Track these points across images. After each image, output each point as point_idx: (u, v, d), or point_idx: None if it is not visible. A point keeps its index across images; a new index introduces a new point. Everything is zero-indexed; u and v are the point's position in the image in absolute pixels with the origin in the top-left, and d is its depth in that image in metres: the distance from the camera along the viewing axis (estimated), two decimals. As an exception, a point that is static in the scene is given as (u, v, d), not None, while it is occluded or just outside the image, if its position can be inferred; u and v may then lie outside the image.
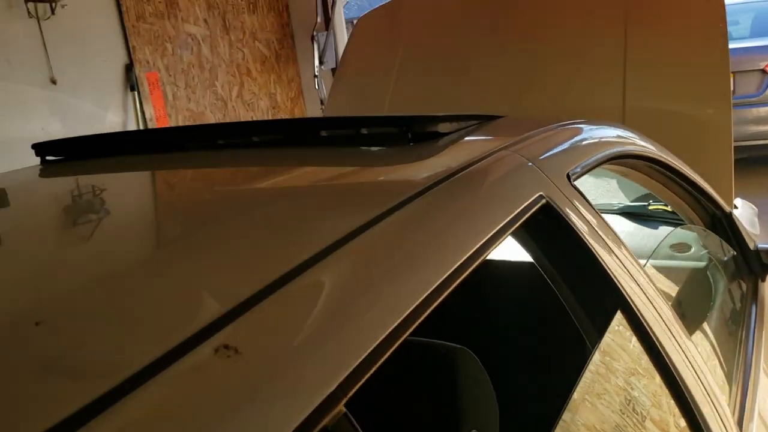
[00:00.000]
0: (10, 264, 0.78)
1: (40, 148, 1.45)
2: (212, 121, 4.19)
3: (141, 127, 3.71)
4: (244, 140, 1.27)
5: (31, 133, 3.18)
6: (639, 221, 2.29)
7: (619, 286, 1.02)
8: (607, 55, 2.58)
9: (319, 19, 4.54)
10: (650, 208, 2.36)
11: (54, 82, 3.29)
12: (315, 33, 4.55)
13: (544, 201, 0.97)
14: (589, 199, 1.16)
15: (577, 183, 1.13)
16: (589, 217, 1.08)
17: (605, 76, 2.57)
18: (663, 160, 1.53)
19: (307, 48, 4.65)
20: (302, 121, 1.27)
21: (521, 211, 0.90)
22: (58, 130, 3.31)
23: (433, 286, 0.63)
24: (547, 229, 1.03)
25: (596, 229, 1.07)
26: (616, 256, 1.08)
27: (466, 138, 1.18)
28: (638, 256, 2.07)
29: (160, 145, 1.35)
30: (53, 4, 3.26)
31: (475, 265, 0.72)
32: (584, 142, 1.30)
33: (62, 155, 1.45)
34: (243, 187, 1.06)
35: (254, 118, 4.49)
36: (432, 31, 3.11)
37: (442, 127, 1.16)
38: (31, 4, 3.18)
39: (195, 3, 4.07)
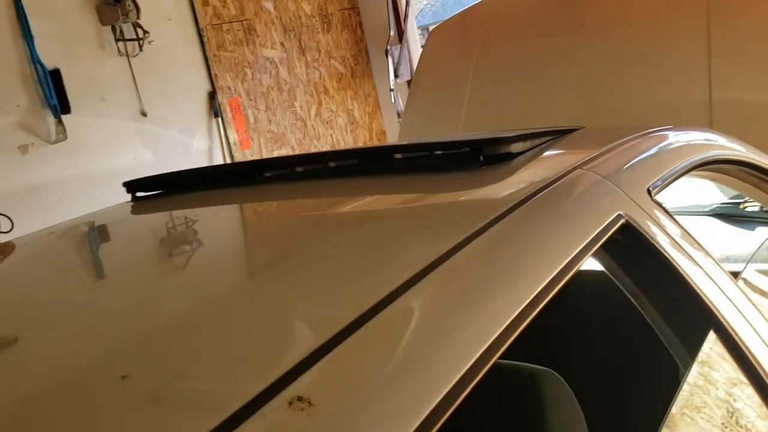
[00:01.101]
0: (103, 301, 0.82)
1: (130, 186, 1.53)
2: (293, 141, 4.29)
3: (226, 151, 3.84)
4: (318, 170, 1.29)
5: (125, 165, 3.36)
6: (733, 222, 2.18)
7: (710, 306, 0.97)
8: (690, 47, 2.47)
9: (392, 33, 4.57)
10: (744, 207, 2.24)
11: (144, 114, 3.46)
12: (389, 47, 4.59)
13: (623, 220, 0.94)
14: (678, 201, 1.12)
15: (660, 196, 1.10)
16: (673, 233, 1.03)
17: (688, 69, 2.46)
18: (754, 162, 1.46)
19: (382, 62, 4.70)
20: (372, 149, 1.29)
21: (599, 233, 0.87)
22: (149, 159, 3.48)
23: (514, 315, 0.62)
24: (629, 249, 0.99)
25: (681, 245, 1.02)
26: (706, 273, 1.03)
27: (540, 157, 1.16)
28: (735, 260, 1.98)
29: (238, 178, 1.39)
30: (141, 42, 3.43)
31: (554, 292, 0.70)
32: (665, 152, 1.25)
33: (151, 191, 1.52)
34: (321, 219, 1.06)
35: (333, 136, 4.57)
36: (506, 37, 3.07)
37: (515, 148, 1.14)
38: (121, 44, 3.36)
39: (271, 28, 4.19)
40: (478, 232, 0.74)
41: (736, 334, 0.96)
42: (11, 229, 2.69)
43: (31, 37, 2.97)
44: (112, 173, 3.29)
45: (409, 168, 1.17)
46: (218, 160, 3.83)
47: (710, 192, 2.41)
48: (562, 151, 1.22)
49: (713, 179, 1.56)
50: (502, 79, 2.96)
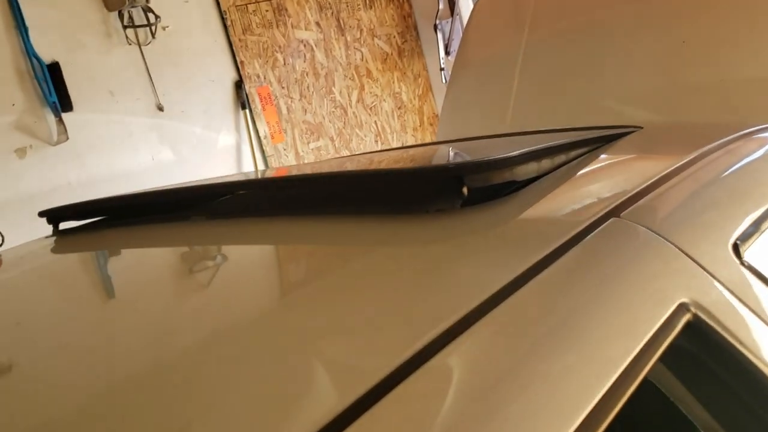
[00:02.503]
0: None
1: (51, 216, 1.19)
2: (332, 131, 3.90)
3: (255, 146, 3.50)
4: (253, 202, 0.95)
5: (141, 165, 3.07)
6: None
7: None
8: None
9: (441, 6, 4.11)
10: None
11: (161, 108, 3.15)
12: (438, 21, 4.13)
13: (688, 316, 0.55)
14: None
15: (753, 255, 0.65)
16: None
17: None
18: None
19: (433, 39, 4.25)
20: (321, 179, 0.89)
21: (648, 342, 0.49)
22: (168, 158, 3.17)
23: None
24: (702, 362, 0.58)
25: None
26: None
27: (559, 188, 0.74)
28: None
29: (176, 208, 1.04)
30: (153, 28, 3.11)
31: None
32: (764, 172, 0.80)
33: (78, 220, 1.20)
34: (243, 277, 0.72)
35: (378, 123, 4.15)
36: (563, 4, 2.60)
37: (519, 173, 0.73)
38: (130, 31, 3.05)
39: (305, 6, 3.80)
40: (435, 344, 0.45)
41: None
42: (1, 244, 2.44)
43: (26, 29, 2.69)
44: (127, 175, 3.02)
45: (362, 205, 0.79)
46: (247, 156, 3.49)
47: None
48: (596, 177, 0.78)
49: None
50: (559, 54, 2.49)
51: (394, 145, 4.22)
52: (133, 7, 2.99)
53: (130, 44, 3.06)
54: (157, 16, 3.09)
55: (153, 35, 3.12)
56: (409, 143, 4.30)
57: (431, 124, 4.47)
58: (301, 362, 0.47)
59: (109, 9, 2.97)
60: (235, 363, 0.49)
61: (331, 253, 0.71)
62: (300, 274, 0.70)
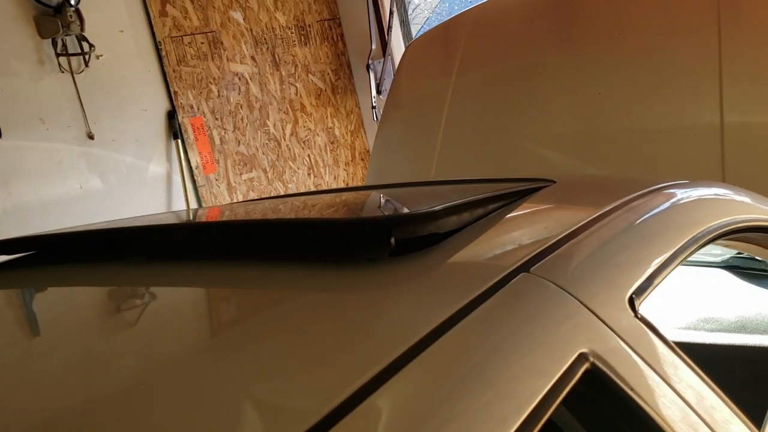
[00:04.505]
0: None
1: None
2: (265, 162, 3.94)
3: (186, 176, 3.49)
4: (181, 247, 0.97)
5: (68, 193, 3.03)
6: (752, 279, 1.82)
7: None
8: (699, 64, 2.14)
9: (373, 46, 4.23)
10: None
11: (91, 137, 3.13)
12: (370, 61, 4.25)
13: (587, 364, 0.61)
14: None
15: (646, 308, 0.74)
16: (674, 378, 0.69)
17: (697, 88, 2.13)
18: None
19: (365, 77, 4.36)
20: (252, 225, 0.94)
21: (549, 391, 0.55)
22: (97, 186, 3.14)
23: None
24: (601, 410, 0.66)
25: (687, 400, 0.67)
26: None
27: (476, 241, 0.82)
28: (755, 329, 1.60)
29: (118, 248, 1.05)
30: (86, 57, 3.10)
31: None
32: (661, 230, 0.89)
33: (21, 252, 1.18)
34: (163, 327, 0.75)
35: (311, 156, 4.22)
36: (488, 52, 2.73)
37: (443, 226, 0.81)
38: (63, 59, 3.03)
39: (240, 40, 3.85)
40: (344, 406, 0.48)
41: None
42: None
43: (-46, 53, 2.65)
44: (55, 203, 2.97)
45: (293, 253, 0.83)
46: (177, 186, 3.48)
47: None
48: (510, 232, 0.87)
49: (725, 245, 1.23)
50: (484, 100, 2.62)
51: (326, 178, 4.29)
52: (67, 35, 2.97)
53: (62, 72, 3.03)
54: (91, 45, 3.08)
55: (87, 64, 3.10)
56: (341, 177, 4.38)
57: (362, 159, 4.56)
58: (233, 406, 0.50)
59: (43, 36, 2.95)
60: (162, 407, 0.51)
61: (261, 298, 0.76)
62: (230, 319, 0.73)
